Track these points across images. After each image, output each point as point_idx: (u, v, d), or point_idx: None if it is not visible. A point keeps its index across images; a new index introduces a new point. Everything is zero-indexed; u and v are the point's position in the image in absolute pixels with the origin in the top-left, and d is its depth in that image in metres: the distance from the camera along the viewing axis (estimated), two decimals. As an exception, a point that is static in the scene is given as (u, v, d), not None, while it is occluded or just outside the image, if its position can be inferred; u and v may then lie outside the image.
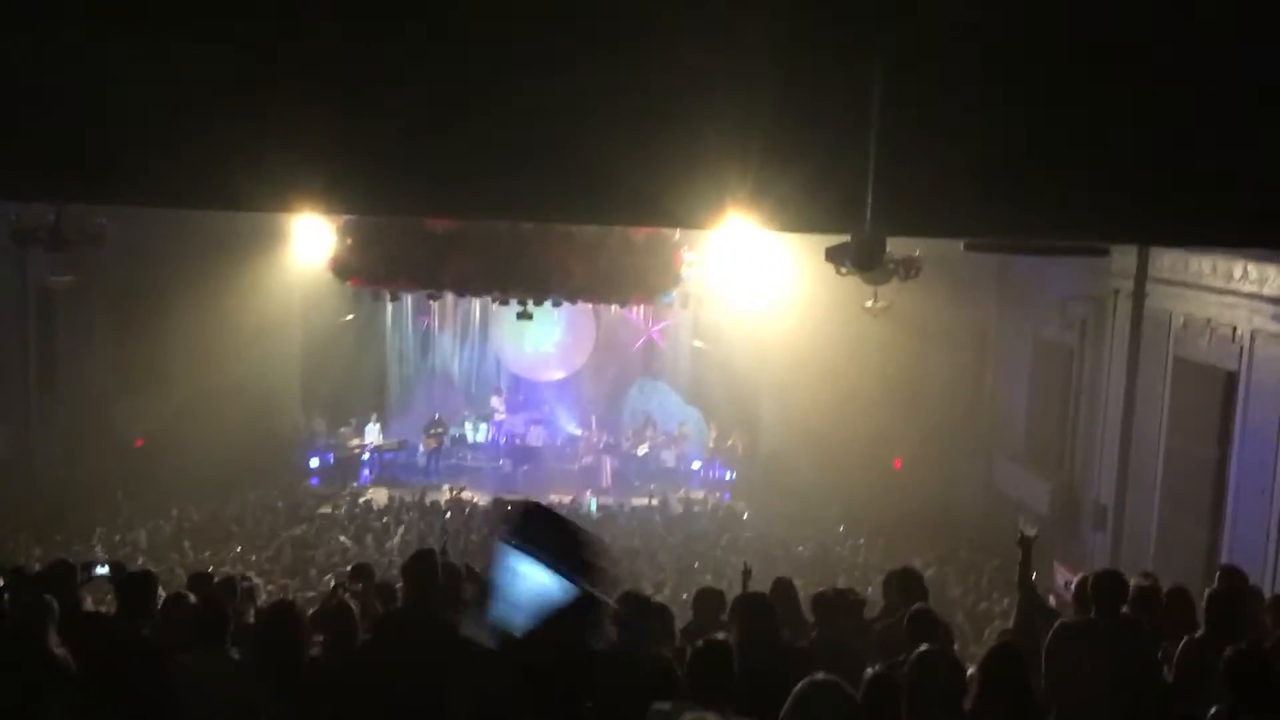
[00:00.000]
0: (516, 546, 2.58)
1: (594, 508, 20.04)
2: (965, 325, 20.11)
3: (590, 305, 20.99)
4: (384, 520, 17.72)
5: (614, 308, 21.46)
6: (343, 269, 18.23)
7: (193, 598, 6.15)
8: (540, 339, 23.56)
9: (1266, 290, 12.70)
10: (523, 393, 24.45)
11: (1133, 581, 6.30)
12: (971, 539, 17.55)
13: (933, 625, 5.82)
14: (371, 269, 18.07)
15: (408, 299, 22.04)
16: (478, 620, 2.58)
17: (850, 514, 19.00)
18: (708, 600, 7.03)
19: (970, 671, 4.44)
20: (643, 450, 22.75)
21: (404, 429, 23.15)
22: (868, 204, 5.76)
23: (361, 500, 19.72)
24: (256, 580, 10.20)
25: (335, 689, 5.25)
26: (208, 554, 15.13)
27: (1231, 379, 13.34)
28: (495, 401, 23.98)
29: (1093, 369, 16.93)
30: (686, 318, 22.29)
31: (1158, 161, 5.78)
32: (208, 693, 5.07)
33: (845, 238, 6.66)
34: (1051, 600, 10.80)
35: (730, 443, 22.66)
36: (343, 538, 16.40)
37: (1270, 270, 12.59)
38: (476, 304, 22.81)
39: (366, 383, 23.48)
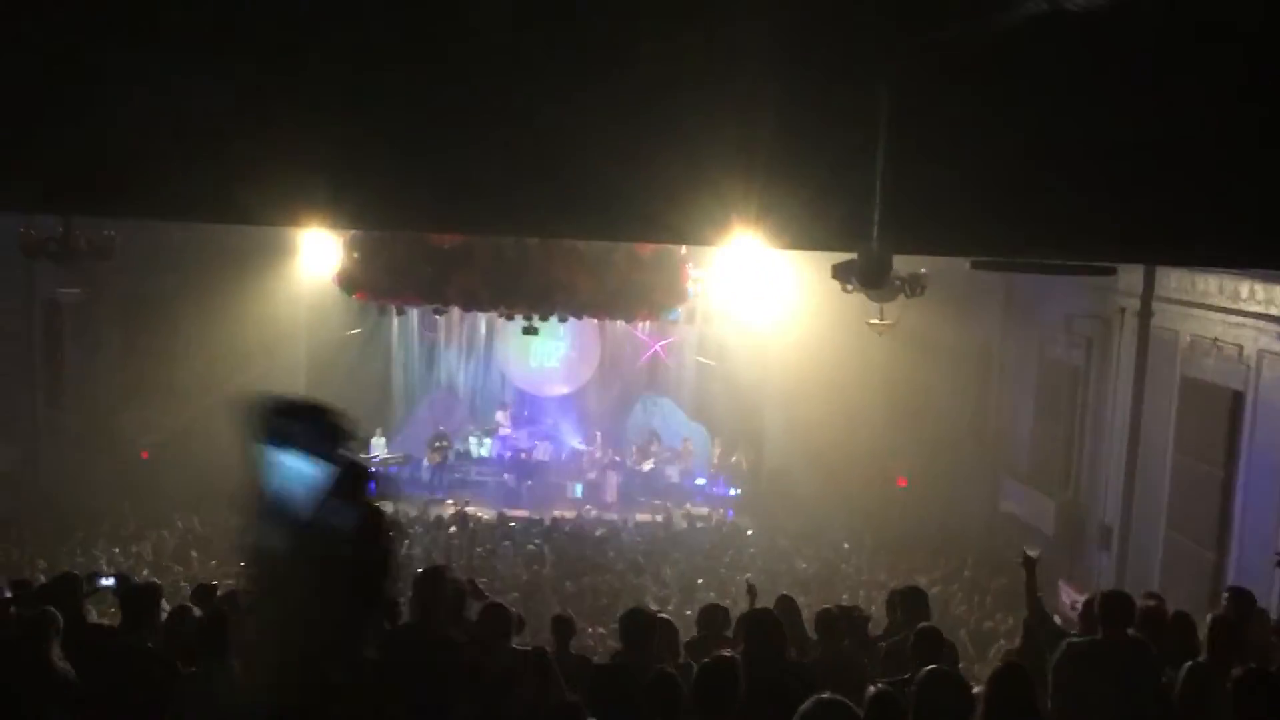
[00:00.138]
0: (272, 443, 2.55)
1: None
2: (971, 343, 20.09)
3: (596, 321, 21.02)
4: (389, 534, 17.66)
5: (619, 323, 21.49)
6: (349, 283, 18.27)
7: (197, 611, 6.14)
8: (545, 354, 23.57)
9: (1273, 310, 12.68)
10: (527, 408, 24.45)
11: (1139, 602, 6.28)
12: (976, 558, 17.50)
13: (938, 644, 5.80)
14: (377, 283, 18.10)
15: (413, 313, 22.06)
16: (266, 529, 2.52)
17: (854, 531, 18.95)
18: (712, 617, 7.02)
19: (976, 691, 4.42)
20: (648, 466, 22.73)
21: (408, 443, 23.15)
22: (874, 222, 5.77)
23: (366, 514, 19.66)
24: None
25: (339, 703, 5.23)
26: (213, 566, 15.11)
27: (1238, 399, 13.31)
28: (500, 416, 23.98)
29: (1099, 388, 16.89)
30: (692, 333, 22.30)
31: (1164, 181, 5.79)
32: (212, 706, 5.06)
33: (851, 255, 6.67)
34: (1057, 619, 10.77)
35: (734, 459, 22.64)
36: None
37: (1277, 290, 12.58)
38: (482, 319, 22.82)
39: (371, 396, 23.46)
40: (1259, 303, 12.95)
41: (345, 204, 5.93)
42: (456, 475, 22.72)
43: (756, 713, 4.48)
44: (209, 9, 5.18)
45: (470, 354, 24.47)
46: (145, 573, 13.37)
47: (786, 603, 7.43)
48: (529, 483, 22.30)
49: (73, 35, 5.19)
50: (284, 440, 2.47)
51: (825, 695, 3.44)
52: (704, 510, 21.04)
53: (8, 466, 18.20)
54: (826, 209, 5.92)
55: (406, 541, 17.11)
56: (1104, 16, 4.50)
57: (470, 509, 19.44)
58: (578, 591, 14.52)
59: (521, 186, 5.95)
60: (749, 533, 19.58)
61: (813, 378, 19.76)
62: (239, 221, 8.52)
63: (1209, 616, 5.90)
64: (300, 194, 5.75)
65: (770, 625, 5.54)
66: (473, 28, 5.30)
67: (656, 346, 23.76)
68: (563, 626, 7.16)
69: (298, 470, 2.43)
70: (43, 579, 9.74)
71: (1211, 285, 13.87)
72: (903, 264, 13.59)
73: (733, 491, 22.17)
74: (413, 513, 19.30)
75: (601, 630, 11.65)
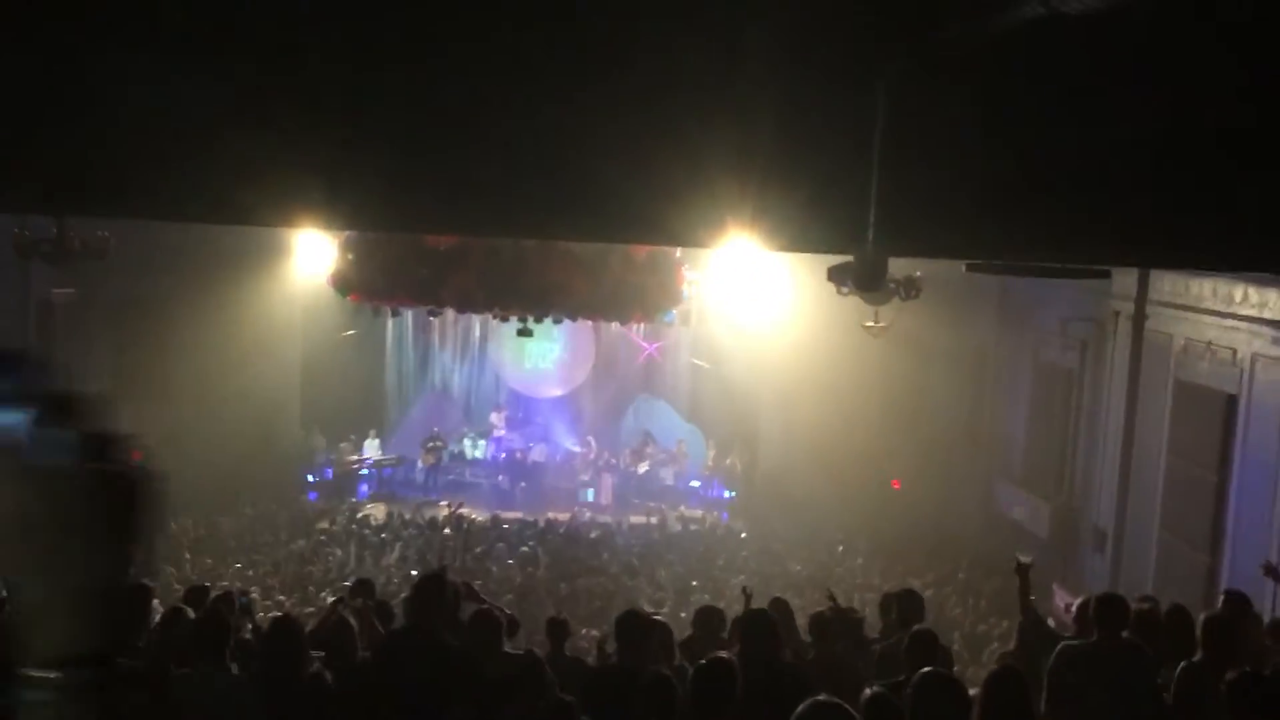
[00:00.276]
0: None
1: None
2: (965, 346, 20.11)
3: (590, 323, 21.01)
4: (382, 536, 17.68)
5: (614, 325, 21.49)
6: (344, 284, 18.24)
7: (191, 612, 6.12)
8: (540, 356, 23.58)
9: (1267, 314, 12.70)
10: (522, 409, 24.45)
11: (1133, 605, 6.28)
12: (970, 560, 17.50)
13: (932, 647, 5.80)
14: (372, 284, 18.07)
15: (408, 315, 22.05)
16: None
17: (849, 534, 18.96)
18: (708, 619, 7.02)
19: (972, 693, 4.42)
20: (643, 468, 22.73)
21: (403, 445, 23.14)
22: (870, 224, 5.77)
23: (359, 515, 19.68)
24: (254, 595, 10.17)
25: (335, 706, 5.23)
26: (206, 566, 15.08)
27: (1232, 402, 13.33)
28: (495, 418, 23.98)
29: (1093, 391, 16.92)
30: (686, 335, 22.31)
31: (1159, 184, 5.80)
32: (207, 708, 5.05)
33: (847, 258, 6.67)
34: (1051, 622, 10.78)
35: (729, 461, 22.64)
36: (344, 553, 16.35)
37: (1271, 294, 12.60)
38: (477, 320, 22.82)
39: (366, 398, 23.48)
40: (1253, 306, 12.98)
41: (341, 204, 5.92)
42: (450, 477, 22.73)
43: (752, 714, 4.48)
44: (205, 9, 5.17)
45: (465, 355, 24.48)
46: (135, 572, 13.31)
47: (780, 605, 7.44)
48: (523, 484, 22.29)
49: (68, 35, 5.18)
50: None
51: (821, 697, 3.44)
52: (698, 513, 21.04)
53: None
54: (822, 211, 5.91)
55: (400, 543, 17.10)
56: (1101, 19, 4.50)
57: (464, 510, 19.42)
58: (572, 594, 14.51)
59: (518, 188, 5.94)
60: (743, 535, 19.58)
61: (807, 380, 19.77)
62: (235, 222, 8.50)
63: (1203, 616, 5.90)
64: (296, 194, 5.74)
65: (765, 627, 5.54)
66: (470, 29, 5.29)
67: (651, 349, 23.78)
68: (557, 629, 7.15)
69: None
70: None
71: (1205, 289, 13.90)
72: (898, 267, 13.62)
73: (727, 494, 22.18)
74: (407, 514, 19.28)
75: (595, 633, 11.64)
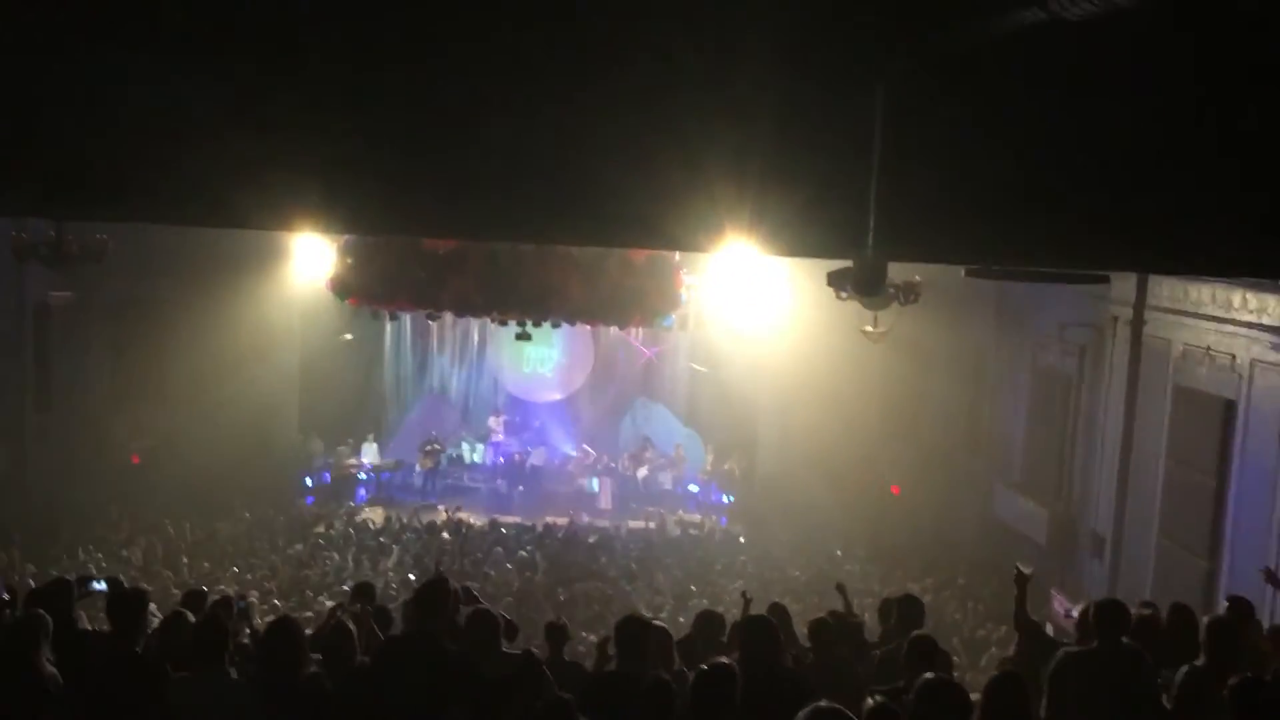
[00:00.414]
0: None
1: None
2: (964, 351, 20.12)
3: (589, 327, 21.01)
4: (381, 540, 17.66)
5: (612, 329, 21.48)
6: (342, 288, 18.24)
7: (191, 616, 6.10)
8: (538, 360, 23.57)
9: (1266, 319, 12.69)
10: (520, 413, 24.43)
11: (1134, 611, 6.27)
12: (968, 566, 17.50)
13: (932, 652, 5.79)
14: (371, 288, 18.08)
15: (406, 319, 22.05)
16: None
17: (847, 539, 18.95)
18: (708, 623, 7.01)
19: (973, 698, 4.40)
20: (643, 473, 22.71)
21: (401, 449, 23.12)
22: (869, 229, 5.76)
23: (358, 520, 19.66)
24: (252, 599, 10.14)
25: (333, 710, 5.21)
26: (203, 571, 15.05)
27: (1230, 407, 13.32)
28: (493, 422, 23.97)
29: (1091, 396, 16.91)
30: (685, 340, 22.30)
31: (1158, 189, 5.79)
32: (207, 712, 5.03)
33: (846, 262, 6.66)
34: (1049, 628, 10.76)
35: (727, 466, 22.62)
36: (342, 557, 16.32)
37: (1269, 299, 12.60)
38: (475, 324, 22.82)
39: (364, 402, 23.47)
40: (1251, 312, 12.97)
41: (340, 207, 5.90)
42: (449, 481, 22.70)
43: (751, 719, 4.47)
44: (204, 11, 5.16)
45: (463, 359, 24.46)
46: (126, 573, 13.29)
47: (779, 610, 7.43)
48: (520, 488, 22.27)
49: (66, 36, 5.17)
50: None
51: (822, 703, 3.42)
52: (696, 517, 21.02)
53: (-3, 470, 18.13)
54: (822, 215, 5.90)
55: (398, 548, 17.08)
56: (1101, 24, 4.50)
57: (462, 515, 19.40)
58: (570, 598, 14.49)
59: (517, 191, 5.93)
60: (741, 540, 19.57)
61: (806, 385, 19.77)
62: (233, 225, 8.48)
63: (1206, 620, 5.89)
64: (295, 197, 5.72)
65: (765, 632, 5.52)
66: (469, 31, 5.28)
67: (649, 353, 23.77)
68: (556, 633, 7.13)
69: None
70: (31, 583, 9.71)
71: (1204, 294, 13.89)
72: (897, 271, 13.61)
73: (725, 499, 22.16)
74: (405, 518, 19.26)
75: (593, 638, 11.62)
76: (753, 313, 19.34)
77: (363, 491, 22.11)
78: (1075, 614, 6.96)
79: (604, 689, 5.41)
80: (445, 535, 18.13)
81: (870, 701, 3.88)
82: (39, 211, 10.59)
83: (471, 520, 19.19)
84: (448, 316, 20.15)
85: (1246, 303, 13.03)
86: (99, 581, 7.21)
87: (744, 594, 8.09)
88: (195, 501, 18.37)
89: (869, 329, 15.94)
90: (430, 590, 5.84)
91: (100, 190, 5.73)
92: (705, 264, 18.04)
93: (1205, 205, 5.81)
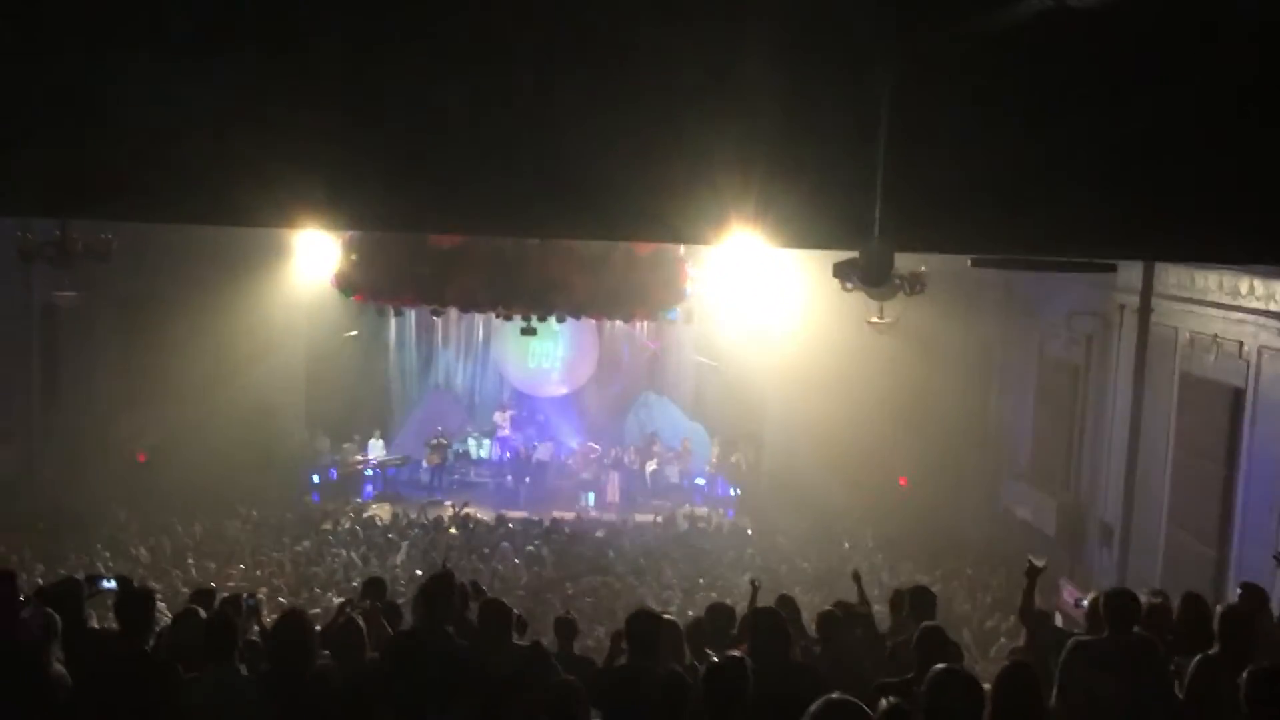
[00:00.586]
0: None
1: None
2: (971, 341, 20.07)
3: (594, 321, 21.00)
4: (388, 536, 17.67)
5: (617, 323, 21.47)
6: (347, 284, 18.24)
7: (203, 613, 6.11)
8: (543, 354, 23.56)
9: (1273, 306, 12.66)
10: (526, 408, 24.44)
11: (1144, 599, 6.25)
12: (976, 557, 17.49)
13: (942, 643, 5.77)
14: (375, 284, 18.08)
15: (411, 314, 22.05)
16: None
17: (855, 530, 18.94)
18: (718, 615, 7.01)
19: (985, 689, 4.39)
20: (651, 467, 22.70)
21: (407, 445, 23.14)
22: (875, 219, 5.74)
23: (365, 516, 19.68)
24: (260, 597, 10.15)
25: (343, 705, 5.21)
26: (211, 569, 15.08)
27: (1238, 395, 13.29)
28: (499, 417, 23.98)
29: (1099, 385, 16.88)
30: (690, 333, 22.27)
31: (1165, 177, 5.77)
32: (217, 710, 5.04)
33: (852, 253, 6.64)
34: (1059, 618, 10.74)
35: (734, 459, 22.62)
36: (350, 553, 16.33)
37: (1277, 286, 12.56)
38: (480, 319, 22.82)
39: (370, 398, 23.49)
40: (1258, 299, 12.94)
41: (344, 205, 5.90)
42: (456, 476, 22.72)
43: (762, 713, 4.45)
44: (206, 9, 5.15)
45: (468, 355, 24.47)
46: (134, 571, 13.33)
47: (787, 603, 7.42)
48: (527, 479, 22.28)
49: (70, 38, 5.16)
50: None
51: (834, 696, 3.41)
52: (704, 510, 21.02)
53: (5, 470, 18.16)
54: (827, 206, 5.89)
55: (406, 543, 17.10)
56: (1107, 12, 4.48)
57: (470, 510, 19.41)
58: (578, 593, 14.49)
59: (520, 186, 5.92)
60: (749, 533, 19.57)
61: (812, 377, 19.73)
62: (238, 223, 8.49)
63: (1220, 610, 5.86)
64: (299, 195, 5.71)
65: (774, 625, 5.51)
66: (471, 26, 5.27)
67: (653, 346, 23.78)
68: (566, 628, 7.13)
69: None
70: (40, 582, 9.72)
71: (1211, 281, 13.86)
72: (903, 262, 13.57)
73: (732, 491, 22.16)
74: (412, 514, 19.27)
75: (600, 631, 11.63)
76: (758, 305, 19.32)
77: (369, 488, 22.14)
78: (1085, 603, 6.93)
79: (616, 683, 5.40)
80: (453, 531, 18.14)
81: (883, 703, 3.85)
82: (43, 211, 10.60)
83: (479, 515, 19.20)
84: (452, 312, 20.14)
85: (1254, 289, 13.00)
86: (108, 579, 7.21)
87: (753, 581, 8.08)
88: (202, 499, 18.40)
89: (875, 320, 15.92)
90: (435, 585, 5.83)
91: (104, 190, 5.73)
92: (710, 257, 18.01)
93: (1212, 192, 5.79)
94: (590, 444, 23.49)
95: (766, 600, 7.32)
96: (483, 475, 22.98)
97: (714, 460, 23.01)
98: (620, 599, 14.01)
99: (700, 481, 22.73)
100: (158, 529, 17.15)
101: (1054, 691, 5.51)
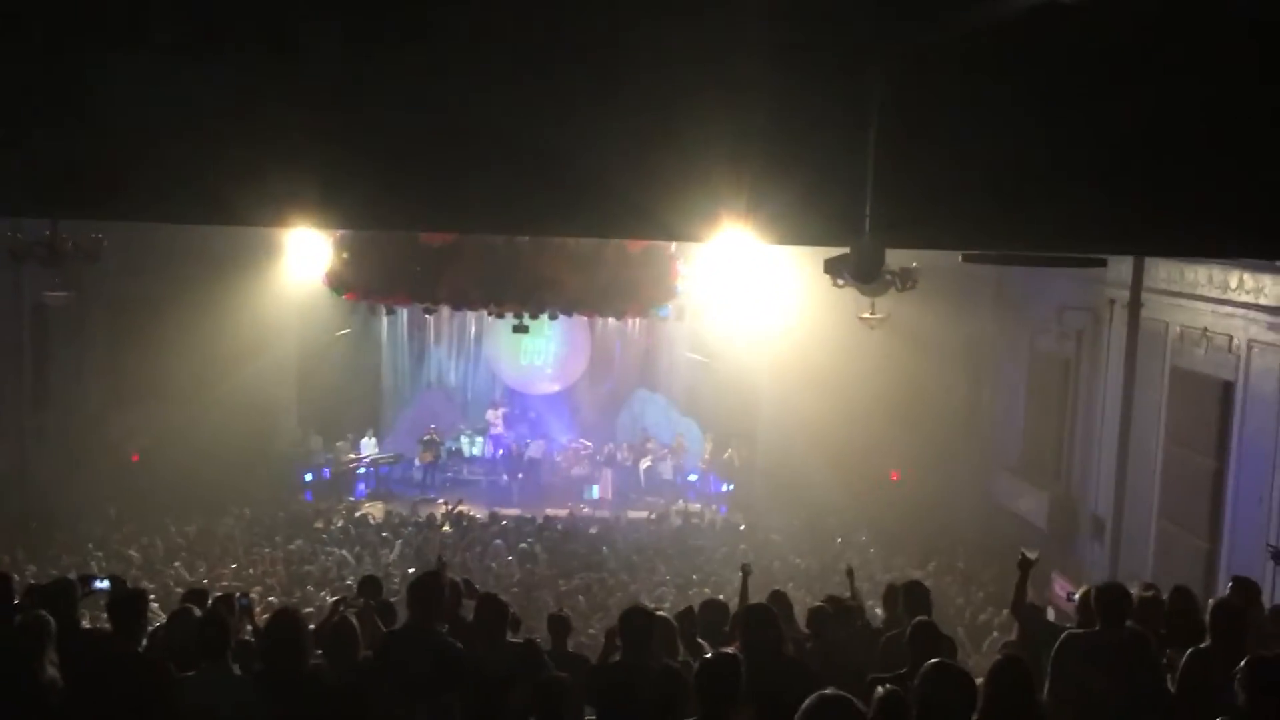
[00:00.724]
0: None
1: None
2: (962, 336, 20.12)
3: (585, 318, 21.00)
4: (382, 535, 17.67)
5: (609, 320, 21.47)
6: (338, 283, 18.22)
7: (198, 611, 6.11)
8: (535, 352, 23.56)
9: (1263, 299, 12.71)
10: (519, 406, 24.45)
11: (1136, 593, 6.28)
12: (968, 551, 17.53)
13: (935, 638, 5.79)
14: (367, 283, 18.06)
15: (403, 313, 22.02)
16: None
17: (847, 525, 18.98)
18: (713, 611, 7.03)
19: (978, 683, 4.41)
20: (646, 463, 22.72)
21: (400, 443, 23.12)
22: (866, 216, 5.76)
23: (357, 514, 19.67)
24: (253, 596, 10.14)
25: (336, 704, 5.22)
26: (203, 569, 15.06)
27: (1228, 389, 13.35)
28: (491, 415, 23.98)
29: (1089, 380, 16.94)
30: (682, 330, 22.29)
31: (1156, 172, 5.79)
32: (211, 710, 5.04)
33: (843, 249, 6.65)
34: (1050, 612, 10.79)
35: (727, 455, 22.65)
36: (343, 552, 16.33)
37: (1266, 280, 12.61)
38: (472, 317, 22.80)
39: (362, 396, 23.46)
40: (1248, 292, 12.99)
41: (336, 204, 5.89)
42: (448, 474, 22.71)
43: (755, 708, 4.47)
44: (200, 9, 5.15)
45: (460, 352, 24.47)
46: (134, 574, 13.31)
47: (780, 598, 7.43)
48: (520, 475, 22.28)
49: (60, 37, 5.15)
50: None
51: (827, 692, 3.43)
52: (697, 507, 21.04)
53: (-4, 470, 18.13)
54: (819, 203, 5.90)
55: (400, 541, 17.09)
56: (1098, 7, 4.50)
57: (463, 508, 19.42)
58: (571, 590, 14.50)
59: (512, 184, 5.92)
60: (742, 528, 19.59)
61: (804, 373, 19.77)
62: (230, 223, 8.47)
63: (1212, 603, 5.89)
64: (292, 194, 5.71)
65: (766, 621, 5.53)
66: (463, 25, 5.27)
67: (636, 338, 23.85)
68: (559, 625, 7.14)
69: None
70: (31, 582, 9.69)
71: (1200, 275, 13.91)
72: (894, 258, 13.59)
73: (725, 487, 22.18)
74: (405, 512, 19.26)
75: (593, 630, 11.65)
76: (750, 301, 19.34)
77: (362, 486, 22.12)
78: (1076, 597, 6.96)
79: (610, 680, 5.42)
80: (446, 529, 18.14)
81: (879, 690, 3.88)
82: (35, 211, 10.57)
83: (472, 513, 19.20)
84: (444, 310, 20.13)
85: (1243, 283, 13.04)
86: (102, 579, 7.20)
87: (743, 567, 8.11)
88: (195, 499, 18.38)
89: (866, 315, 15.93)
90: (424, 583, 5.85)
91: (97, 189, 5.72)
92: (700, 254, 18.02)
93: (1201, 186, 5.81)
94: (583, 441, 23.50)
95: (759, 596, 7.34)
96: (475, 473, 22.98)
97: (707, 456, 23.04)
98: (614, 595, 14.03)
99: (693, 478, 22.75)
100: (150, 528, 17.12)
101: (1046, 685, 5.54)
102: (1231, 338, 13.30)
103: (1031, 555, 7.11)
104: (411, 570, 14.10)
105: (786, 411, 20.84)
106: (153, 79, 5.17)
